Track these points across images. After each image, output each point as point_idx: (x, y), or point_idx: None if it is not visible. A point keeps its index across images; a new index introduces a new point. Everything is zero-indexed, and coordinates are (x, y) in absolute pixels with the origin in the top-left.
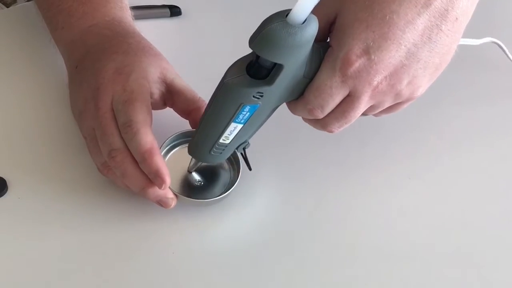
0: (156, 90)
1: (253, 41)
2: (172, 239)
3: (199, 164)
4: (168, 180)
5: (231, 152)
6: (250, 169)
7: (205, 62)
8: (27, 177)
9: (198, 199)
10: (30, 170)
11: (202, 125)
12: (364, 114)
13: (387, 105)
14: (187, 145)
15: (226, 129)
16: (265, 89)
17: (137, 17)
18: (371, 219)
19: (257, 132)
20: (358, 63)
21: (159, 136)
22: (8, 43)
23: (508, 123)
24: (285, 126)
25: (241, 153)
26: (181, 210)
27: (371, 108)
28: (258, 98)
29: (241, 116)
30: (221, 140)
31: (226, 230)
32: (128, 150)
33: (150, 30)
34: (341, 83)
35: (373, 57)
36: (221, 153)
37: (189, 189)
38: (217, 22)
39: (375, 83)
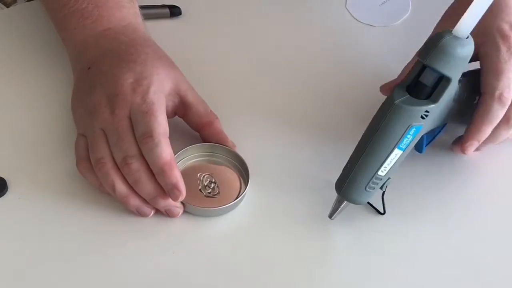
0: (170, 102)
1: (427, 55)
2: (172, 239)
3: (345, 207)
4: (184, 193)
5: (377, 190)
6: (384, 212)
7: (205, 62)
8: (27, 177)
9: (205, 207)
10: (30, 170)
11: (365, 154)
12: None
13: None
14: (196, 159)
15: (389, 156)
16: (431, 108)
17: None
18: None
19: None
20: None
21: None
22: (8, 43)
23: None
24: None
25: (383, 192)
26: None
27: None
28: (423, 118)
29: (404, 141)
30: (379, 172)
31: (226, 230)
32: (144, 158)
33: (150, 30)
34: (510, 55)
35: None
36: (374, 188)
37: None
38: (217, 22)
39: None
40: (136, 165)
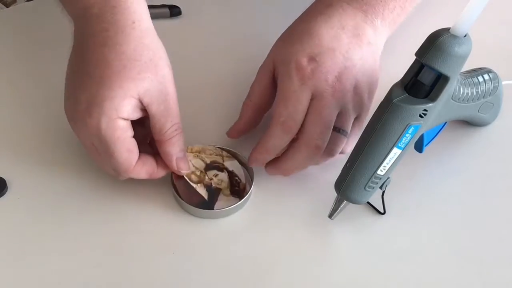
0: (137, 111)
1: (424, 54)
2: (172, 239)
3: (344, 206)
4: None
5: (376, 189)
6: (384, 212)
7: (205, 62)
8: (27, 177)
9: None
10: (30, 170)
11: (363, 153)
12: (338, 128)
13: (351, 112)
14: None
15: (387, 156)
16: (429, 106)
17: None
18: None
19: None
20: (309, 67)
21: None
22: (8, 43)
23: None
24: None
25: (383, 192)
26: (181, 211)
27: (341, 117)
28: (422, 116)
29: (403, 139)
30: (379, 171)
31: (226, 230)
32: None
33: None
34: (301, 86)
35: (318, 60)
36: (373, 188)
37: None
38: (217, 22)
39: (330, 81)
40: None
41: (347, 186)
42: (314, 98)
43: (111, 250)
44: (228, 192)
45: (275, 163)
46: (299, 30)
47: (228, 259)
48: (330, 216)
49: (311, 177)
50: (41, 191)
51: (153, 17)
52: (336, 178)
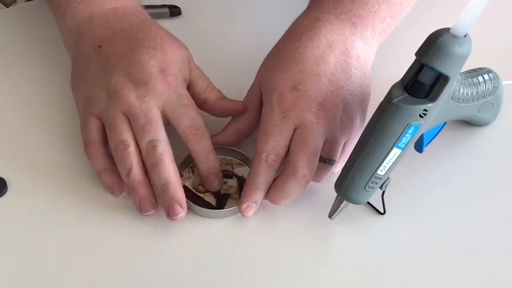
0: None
1: (424, 54)
2: (172, 239)
3: (344, 206)
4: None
5: (376, 189)
6: (384, 212)
7: (205, 62)
8: (27, 177)
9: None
10: (30, 170)
11: (363, 153)
12: (324, 158)
13: (339, 139)
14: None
15: (387, 156)
16: (429, 106)
17: None
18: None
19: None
20: (291, 97)
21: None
22: (8, 43)
23: None
24: None
25: (383, 192)
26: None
27: (328, 146)
28: (422, 116)
29: (403, 139)
30: (379, 171)
31: (226, 230)
32: (169, 146)
33: None
34: (283, 118)
35: (301, 88)
36: (373, 188)
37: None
38: (217, 22)
39: (313, 109)
40: (162, 148)
41: (347, 186)
42: (298, 128)
43: (111, 250)
44: (237, 196)
45: (267, 195)
46: (284, 53)
47: (228, 259)
48: (330, 216)
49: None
50: (41, 191)
51: (153, 17)
52: (336, 178)
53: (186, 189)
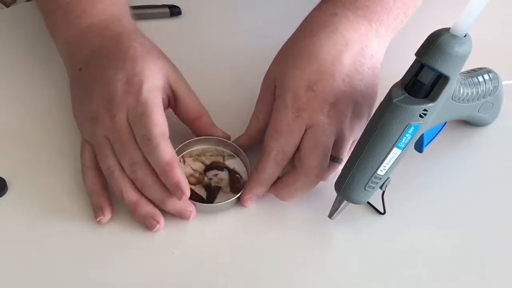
0: (164, 95)
1: (424, 54)
2: (172, 239)
3: (344, 206)
4: (187, 192)
5: (376, 189)
6: (384, 212)
7: (205, 62)
8: (27, 177)
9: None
10: (30, 170)
11: (363, 153)
12: (333, 156)
13: (348, 138)
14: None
15: (388, 156)
16: (429, 106)
17: (137, 17)
18: None
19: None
20: (305, 97)
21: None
22: (8, 43)
23: None
24: None
25: (383, 192)
26: None
27: (337, 145)
28: (422, 116)
29: (403, 139)
30: (379, 171)
31: (226, 230)
32: (148, 162)
33: (150, 30)
34: (296, 118)
35: (315, 88)
36: (373, 188)
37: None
38: (217, 22)
39: (325, 110)
40: (140, 172)
41: (347, 186)
42: (309, 128)
43: (111, 250)
44: (228, 189)
45: (272, 189)
46: (299, 49)
47: (228, 259)
48: (330, 216)
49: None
50: (41, 191)
51: (153, 17)
52: (336, 178)
53: None
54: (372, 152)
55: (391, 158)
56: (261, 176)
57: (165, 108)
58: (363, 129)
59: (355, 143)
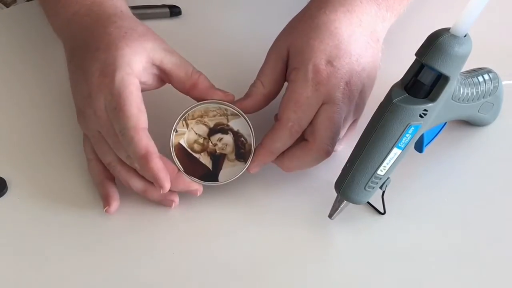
0: (149, 75)
1: (424, 54)
2: (172, 240)
3: (344, 206)
4: (166, 185)
5: (376, 189)
6: (384, 212)
7: (205, 62)
8: (27, 177)
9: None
10: (30, 170)
11: (364, 153)
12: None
13: (351, 117)
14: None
15: (388, 156)
16: (429, 106)
17: (136, 17)
18: None
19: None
20: (326, 72)
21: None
22: (8, 43)
23: None
24: None
25: (383, 192)
26: (181, 211)
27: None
28: (422, 116)
29: (403, 140)
30: (379, 171)
31: (226, 230)
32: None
33: None
34: (315, 92)
35: (335, 64)
36: (373, 188)
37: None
38: (217, 22)
39: (341, 87)
40: (117, 168)
41: (347, 186)
42: (325, 103)
43: (111, 250)
44: (233, 156)
45: (278, 159)
46: (319, 23)
47: (228, 259)
48: (330, 216)
49: (311, 177)
50: (41, 191)
51: (153, 17)
52: (336, 178)
53: (181, 148)
54: (372, 152)
55: (391, 158)
56: (273, 145)
57: (157, 86)
58: (362, 111)
59: (354, 124)
